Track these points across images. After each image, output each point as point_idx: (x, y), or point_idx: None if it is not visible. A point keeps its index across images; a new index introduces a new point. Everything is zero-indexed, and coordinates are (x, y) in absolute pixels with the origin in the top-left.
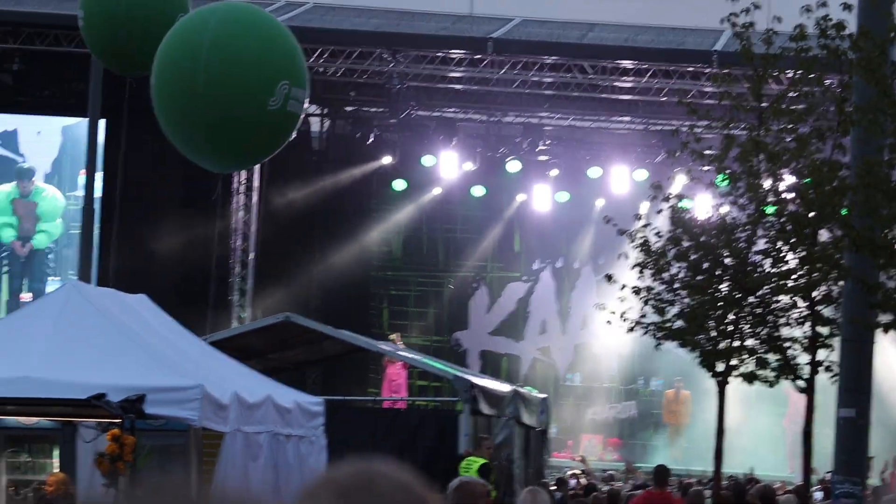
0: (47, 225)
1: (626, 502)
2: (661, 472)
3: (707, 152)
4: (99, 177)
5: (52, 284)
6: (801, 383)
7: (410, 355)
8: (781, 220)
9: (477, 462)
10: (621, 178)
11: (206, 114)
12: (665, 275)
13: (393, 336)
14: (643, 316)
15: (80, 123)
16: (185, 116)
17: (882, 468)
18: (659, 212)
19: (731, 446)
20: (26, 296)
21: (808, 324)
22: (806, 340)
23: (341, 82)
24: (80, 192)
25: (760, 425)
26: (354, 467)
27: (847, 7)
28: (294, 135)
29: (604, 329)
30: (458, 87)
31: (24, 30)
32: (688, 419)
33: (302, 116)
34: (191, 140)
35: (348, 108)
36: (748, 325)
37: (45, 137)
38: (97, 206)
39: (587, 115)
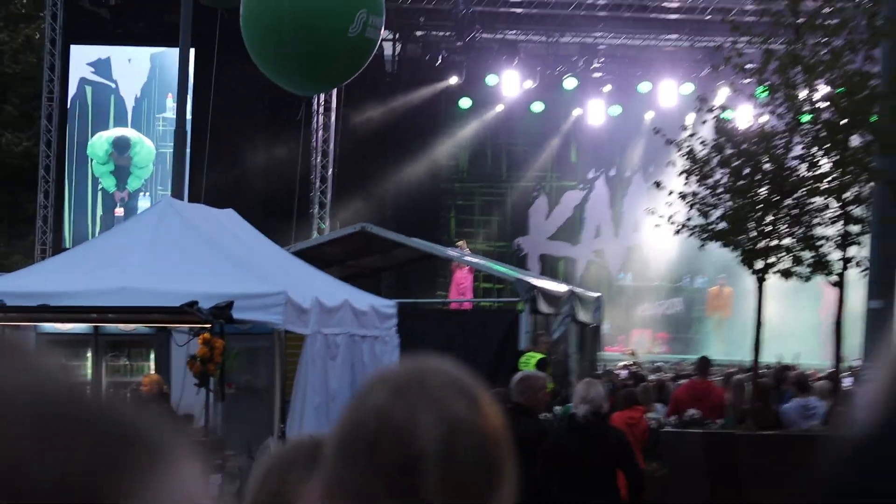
0: (141, 171)
1: (673, 391)
2: (704, 363)
3: (748, 66)
4: (188, 101)
5: (142, 200)
6: (833, 278)
7: (475, 260)
8: (816, 127)
9: (535, 357)
10: (669, 92)
11: (293, 43)
12: (709, 180)
13: (460, 242)
14: (689, 219)
15: (166, 52)
16: (274, 46)
17: None
18: (704, 122)
19: (771, 337)
20: (119, 210)
21: (840, 223)
22: (838, 238)
23: (411, 9)
24: (168, 114)
25: (798, 318)
26: (408, 365)
27: None
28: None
29: (653, 232)
30: (518, 10)
31: None
32: (730, 312)
33: (379, 41)
34: (280, 67)
35: (418, 33)
36: (785, 226)
37: (134, 65)
38: (188, 128)
39: (637, 34)
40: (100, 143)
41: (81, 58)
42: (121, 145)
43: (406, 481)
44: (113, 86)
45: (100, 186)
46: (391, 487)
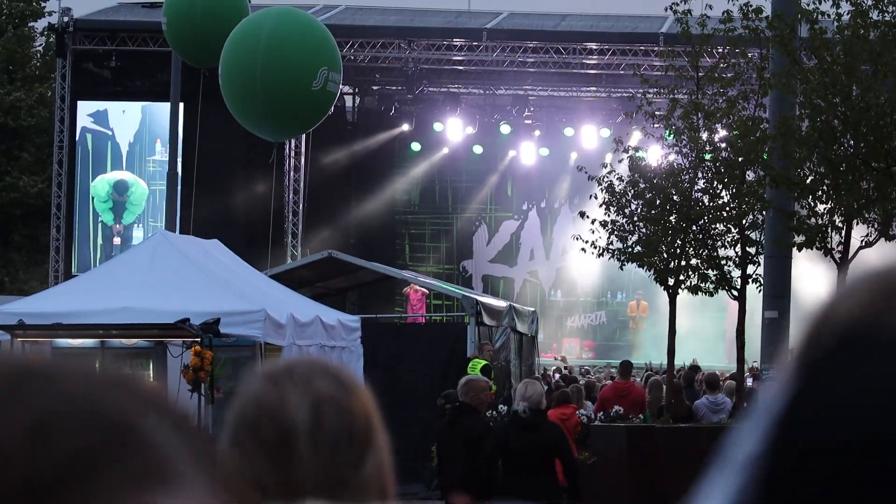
0: (135, 208)
1: (600, 390)
2: (626, 366)
3: (657, 113)
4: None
5: (136, 230)
6: (734, 293)
7: (427, 280)
8: (716, 164)
9: (480, 363)
10: (590, 135)
11: (263, 95)
12: (626, 210)
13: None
14: (610, 244)
15: (155, 104)
16: (247, 98)
17: None
18: (620, 161)
19: (681, 344)
20: (116, 240)
21: (739, 245)
22: (738, 258)
23: (368, 67)
24: (157, 157)
25: (705, 327)
26: (282, 360)
27: None
28: (332, 110)
29: (579, 255)
30: (460, 67)
31: (119, 34)
32: (646, 324)
33: (337, 94)
34: (252, 116)
35: (374, 87)
36: (692, 248)
37: (128, 115)
38: (178, 170)
39: (562, 87)
40: (101, 184)
41: (85, 111)
42: (120, 187)
43: (283, 453)
44: (110, 133)
45: (100, 219)
46: (272, 459)
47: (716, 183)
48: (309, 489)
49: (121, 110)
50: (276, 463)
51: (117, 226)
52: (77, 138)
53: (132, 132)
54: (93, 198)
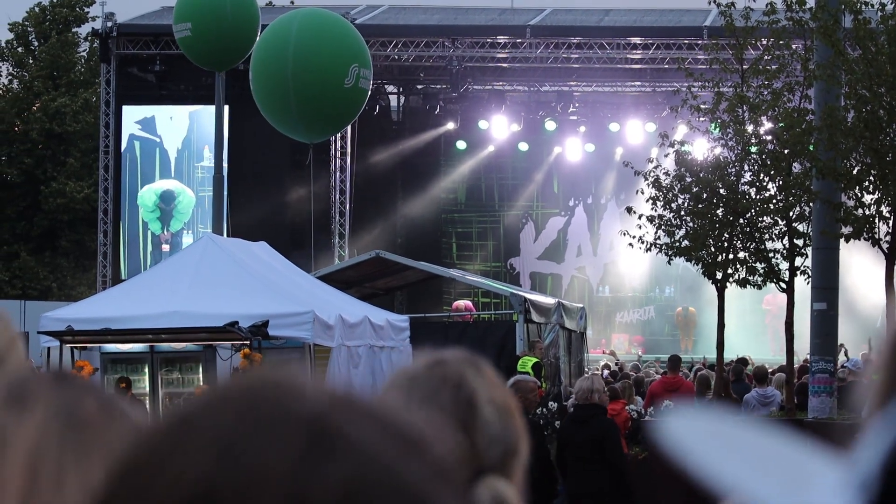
0: (182, 216)
1: (648, 386)
2: (675, 360)
3: (702, 106)
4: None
5: (186, 237)
6: (782, 285)
7: (475, 279)
8: (762, 156)
9: (531, 361)
10: (635, 130)
11: (296, 96)
12: (673, 205)
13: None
14: (657, 238)
15: (202, 110)
16: (279, 101)
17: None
18: (666, 155)
19: (729, 338)
20: (165, 247)
21: (786, 238)
22: (785, 251)
23: (413, 66)
24: (205, 163)
25: (749, 321)
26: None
27: None
28: (368, 107)
29: (626, 250)
30: (504, 65)
31: (162, 38)
32: (695, 318)
33: (370, 90)
34: (286, 119)
35: (419, 87)
36: (739, 241)
37: (175, 121)
38: (224, 174)
39: (606, 82)
40: (148, 194)
41: (131, 116)
42: (167, 197)
43: (469, 416)
44: (158, 140)
45: (148, 228)
46: (459, 423)
47: (762, 175)
48: (489, 457)
49: (168, 116)
50: (463, 427)
51: (165, 235)
52: (125, 146)
53: (180, 138)
54: (140, 207)
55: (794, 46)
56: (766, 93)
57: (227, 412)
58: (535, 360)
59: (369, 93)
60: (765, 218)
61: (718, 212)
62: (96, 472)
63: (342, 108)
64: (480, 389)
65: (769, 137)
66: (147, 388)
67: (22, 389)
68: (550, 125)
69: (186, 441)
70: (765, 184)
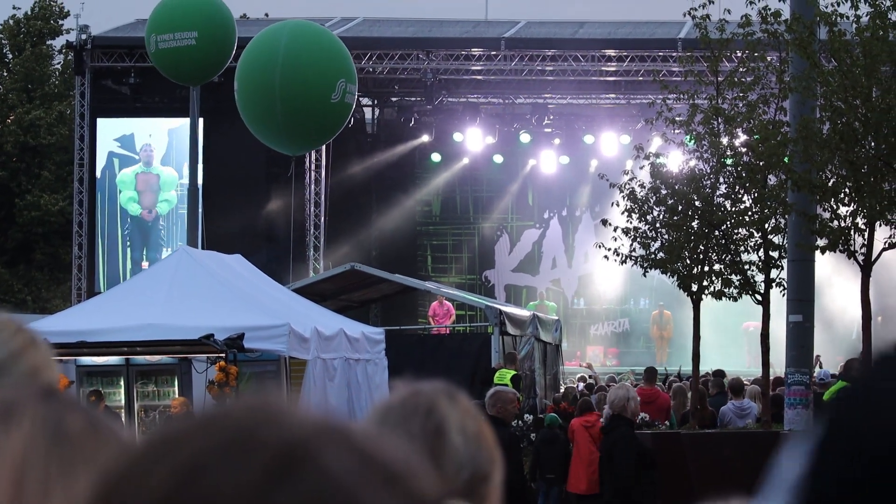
0: (166, 195)
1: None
2: (651, 372)
3: (677, 119)
4: (199, 163)
5: (165, 253)
6: (758, 297)
7: (450, 291)
8: (738, 168)
9: (509, 373)
10: (610, 142)
11: (282, 109)
12: (648, 217)
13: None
14: (632, 250)
15: (182, 127)
16: (265, 113)
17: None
18: (641, 168)
19: (704, 350)
20: (146, 264)
21: (762, 250)
22: (761, 263)
23: (387, 79)
24: (185, 181)
25: (724, 333)
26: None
27: None
28: (351, 122)
29: (601, 263)
30: (478, 77)
31: (137, 51)
32: (671, 333)
33: (354, 104)
34: (271, 131)
35: (393, 99)
36: (715, 254)
37: (154, 139)
38: (200, 185)
39: (581, 95)
40: (128, 175)
41: (110, 133)
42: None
43: (438, 443)
44: (137, 158)
45: (128, 243)
46: (427, 449)
47: (738, 188)
48: (456, 483)
49: (147, 133)
50: (430, 453)
51: (148, 214)
52: (104, 163)
53: (159, 157)
54: (120, 191)
55: (769, 58)
56: (741, 104)
57: (202, 436)
58: (513, 372)
59: (353, 108)
60: (740, 230)
61: (694, 224)
62: (81, 486)
63: (327, 122)
64: (451, 417)
65: (744, 150)
66: (122, 401)
67: (9, 403)
68: (525, 137)
69: (159, 462)
70: (740, 196)
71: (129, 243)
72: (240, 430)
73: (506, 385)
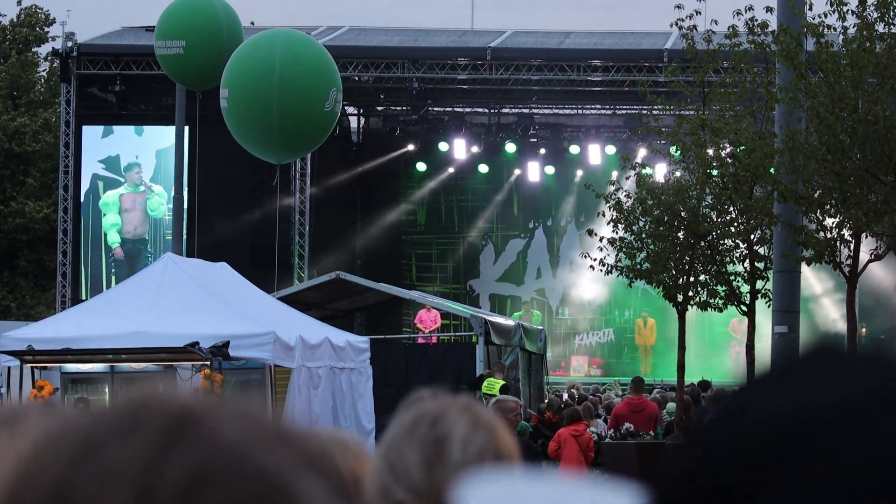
0: (157, 211)
1: (612, 408)
2: (638, 382)
3: (663, 129)
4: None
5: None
6: (744, 308)
7: (434, 300)
8: (724, 180)
9: (498, 383)
10: (595, 153)
11: (279, 118)
12: (634, 227)
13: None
14: (618, 261)
15: (169, 148)
16: (260, 121)
17: None
18: (627, 178)
19: (688, 360)
20: (118, 251)
21: (747, 261)
22: (746, 274)
23: (373, 88)
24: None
25: (712, 344)
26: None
27: (769, 9)
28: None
29: (586, 273)
30: (464, 87)
31: (122, 59)
32: (654, 341)
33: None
34: (263, 139)
35: (379, 108)
36: (700, 264)
37: (142, 160)
38: (184, 193)
39: (567, 105)
40: (111, 197)
41: (92, 137)
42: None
43: (436, 452)
44: (123, 181)
45: (113, 271)
46: (426, 457)
47: (723, 199)
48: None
49: (134, 155)
50: (429, 463)
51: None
52: (88, 186)
53: (147, 177)
54: (104, 215)
55: (755, 69)
56: (727, 115)
57: (94, 419)
58: (502, 382)
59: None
60: (726, 241)
61: (679, 234)
62: None
63: (318, 131)
64: (455, 430)
65: (730, 161)
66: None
67: (13, 414)
68: (510, 147)
69: (55, 448)
70: (726, 207)
71: (114, 272)
72: (129, 408)
73: (495, 395)
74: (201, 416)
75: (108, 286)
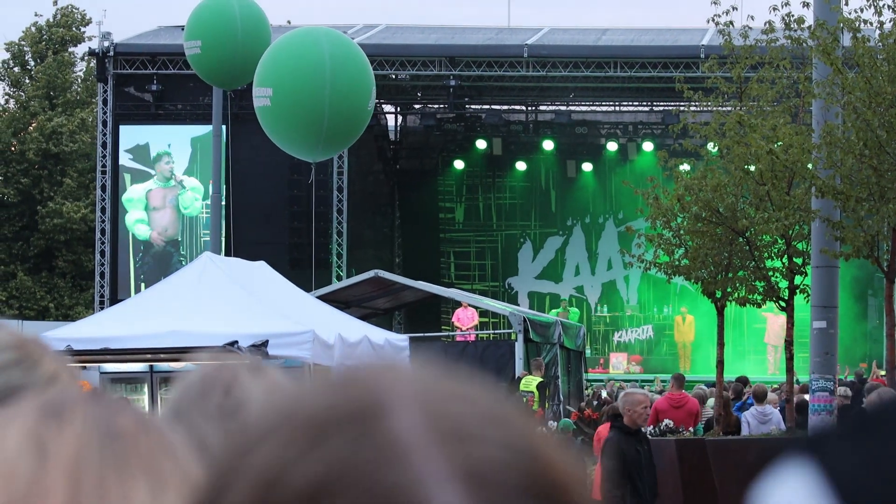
0: (190, 207)
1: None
2: (679, 378)
3: (702, 126)
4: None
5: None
6: (782, 304)
7: (473, 298)
8: (762, 175)
9: (535, 380)
10: (633, 150)
11: (330, 117)
12: (672, 224)
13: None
14: (656, 257)
15: (206, 136)
16: (309, 120)
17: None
18: (665, 175)
19: (726, 357)
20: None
21: (785, 256)
22: (785, 269)
23: (410, 86)
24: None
25: (749, 341)
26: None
27: (805, 4)
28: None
29: (624, 270)
30: (501, 84)
31: (160, 58)
32: (693, 337)
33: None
34: (310, 138)
35: (416, 106)
36: (739, 260)
37: (174, 149)
38: (222, 192)
39: (604, 101)
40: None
41: (128, 136)
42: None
43: None
44: (152, 173)
45: (142, 277)
46: None
47: (761, 194)
48: None
49: (166, 143)
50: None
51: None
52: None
53: (181, 170)
54: (126, 212)
55: (792, 65)
56: (766, 109)
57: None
58: (539, 379)
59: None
60: (764, 236)
61: (718, 230)
62: (135, 484)
63: (358, 130)
64: (253, 394)
65: (769, 156)
66: (146, 408)
67: (59, 405)
68: (548, 145)
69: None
70: (764, 202)
71: (142, 277)
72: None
73: (531, 393)
74: (71, 402)
75: (137, 288)
